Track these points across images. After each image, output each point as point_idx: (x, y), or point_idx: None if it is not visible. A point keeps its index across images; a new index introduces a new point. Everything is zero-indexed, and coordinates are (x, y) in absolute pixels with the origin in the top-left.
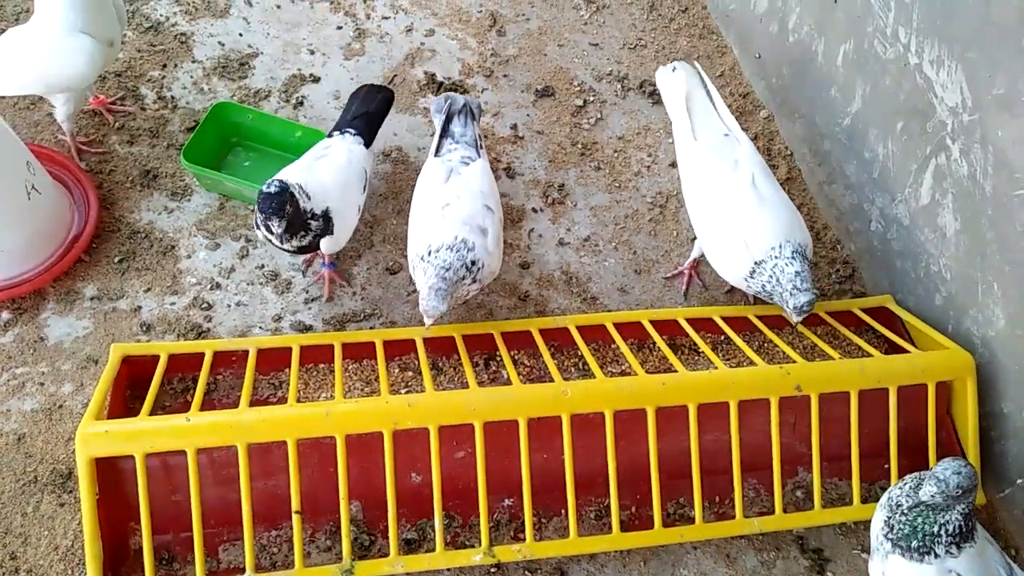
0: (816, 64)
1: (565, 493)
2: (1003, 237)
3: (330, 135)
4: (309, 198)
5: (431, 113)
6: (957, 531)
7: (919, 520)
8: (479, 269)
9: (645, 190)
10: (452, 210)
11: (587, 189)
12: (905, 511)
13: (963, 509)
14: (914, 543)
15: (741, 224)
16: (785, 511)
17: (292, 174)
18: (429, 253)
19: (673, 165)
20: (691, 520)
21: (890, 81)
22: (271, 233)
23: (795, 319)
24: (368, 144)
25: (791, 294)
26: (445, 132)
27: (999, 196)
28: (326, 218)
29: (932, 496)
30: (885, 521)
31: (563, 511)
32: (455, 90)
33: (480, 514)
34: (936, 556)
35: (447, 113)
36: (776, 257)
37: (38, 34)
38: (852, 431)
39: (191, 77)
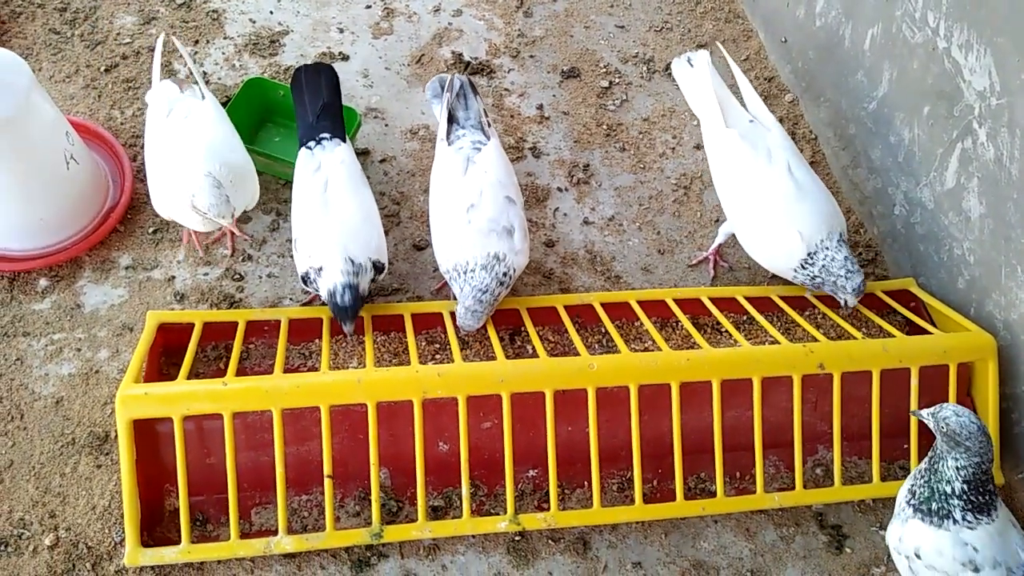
0: (843, 48)
1: (588, 465)
2: None
3: (306, 146)
4: (364, 270)
5: (427, 99)
6: (967, 498)
7: (932, 479)
8: (511, 276)
9: (670, 171)
10: (477, 213)
11: (612, 170)
12: (923, 472)
13: (963, 474)
14: (934, 505)
15: (789, 216)
16: (805, 488)
17: (328, 244)
18: (464, 272)
19: (698, 147)
20: (712, 494)
21: (918, 65)
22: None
23: (852, 302)
24: (343, 138)
25: (846, 278)
26: (451, 118)
27: None
28: (377, 268)
29: (928, 420)
30: (909, 489)
31: (586, 483)
32: (483, 70)
33: (506, 483)
34: (954, 521)
35: (448, 101)
36: (826, 248)
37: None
38: (873, 410)
39: (223, 53)
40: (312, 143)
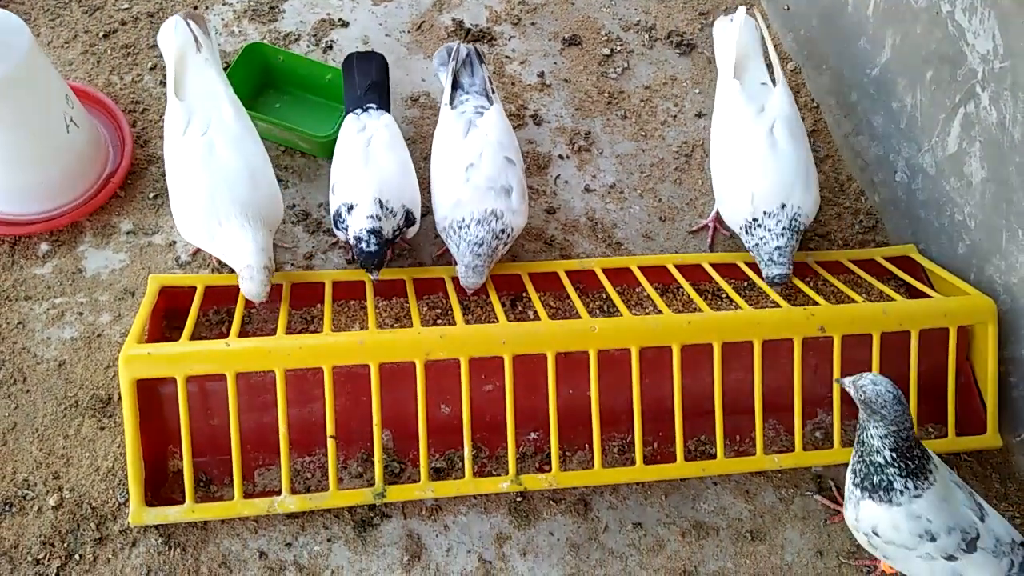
0: (846, 14)
1: (590, 429)
2: None
3: (353, 112)
4: (393, 214)
5: (434, 68)
6: (902, 465)
7: (863, 453)
8: (509, 234)
9: (671, 139)
10: (476, 172)
11: (613, 137)
12: (856, 449)
13: (887, 442)
14: (875, 479)
15: (748, 174)
16: (804, 450)
17: (363, 185)
18: (460, 227)
19: (699, 115)
20: (712, 457)
21: (921, 30)
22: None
23: (768, 284)
24: (389, 111)
25: (766, 265)
26: (456, 84)
27: None
28: (408, 218)
29: (849, 388)
30: (851, 469)
31: (587, 445)
32: (483, 37)
33: (508, 444)
34: (900, 492)
35: (454, 68)
36: (770, 229)
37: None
38: (874, 370)
39: (222, 20)
40: (359, 110)
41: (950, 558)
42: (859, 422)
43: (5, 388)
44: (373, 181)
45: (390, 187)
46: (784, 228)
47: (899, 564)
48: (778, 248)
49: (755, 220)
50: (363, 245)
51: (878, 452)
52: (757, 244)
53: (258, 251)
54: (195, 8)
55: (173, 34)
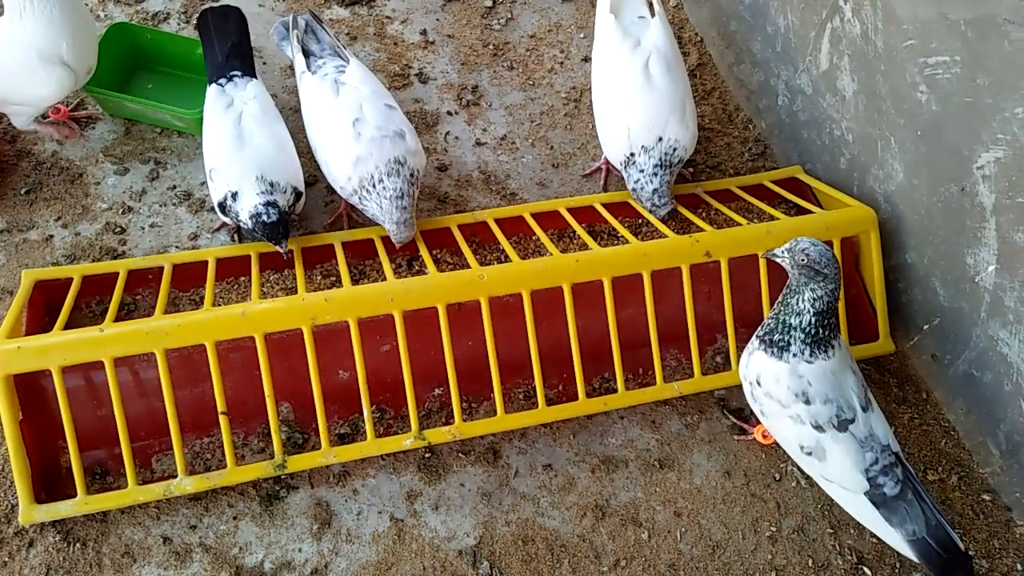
0: None
1: (491, 381)
2: (896, 91)
3: (217, 83)
4: (282, 191)
5: (275, 43)
6: (812, 332)
7: (781, 312)
8: (417, 176)
9: (559, 86)
10: (364, 126)
11: (501, 89)
12: (774, 308)
13: (816, 306)
14: (776, 336)
15: (624, 109)
16: (705, 376)
17: (243, 170)
18: (373, 185)
19: (585, 59)
20: (615, 391)
21: None
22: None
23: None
24: (254, 75)
25: (651, 210)
26: (307, 52)
27: (890, 50)
28: (296, 193)
29: (783, 257)
30: (760, 325)
31: (492, 396)
32: (361, 0)
33: (408, 402)
34: (793, 355)
35: (298, 37)
36: (642, 169)
37: (18, 54)
38: (763, 291)
39: (87, 4)
40: (223, 80)
41: (818, 428)
42: (788, 288)
43: None
44: (254, 165)
45: (272, 167)
46: (656, 165)
47: (772, 422)
48: (655, 191)
49: (632, 155)
50: (264, 218)
51: (799, 314)
52: (634, 189)
53: None
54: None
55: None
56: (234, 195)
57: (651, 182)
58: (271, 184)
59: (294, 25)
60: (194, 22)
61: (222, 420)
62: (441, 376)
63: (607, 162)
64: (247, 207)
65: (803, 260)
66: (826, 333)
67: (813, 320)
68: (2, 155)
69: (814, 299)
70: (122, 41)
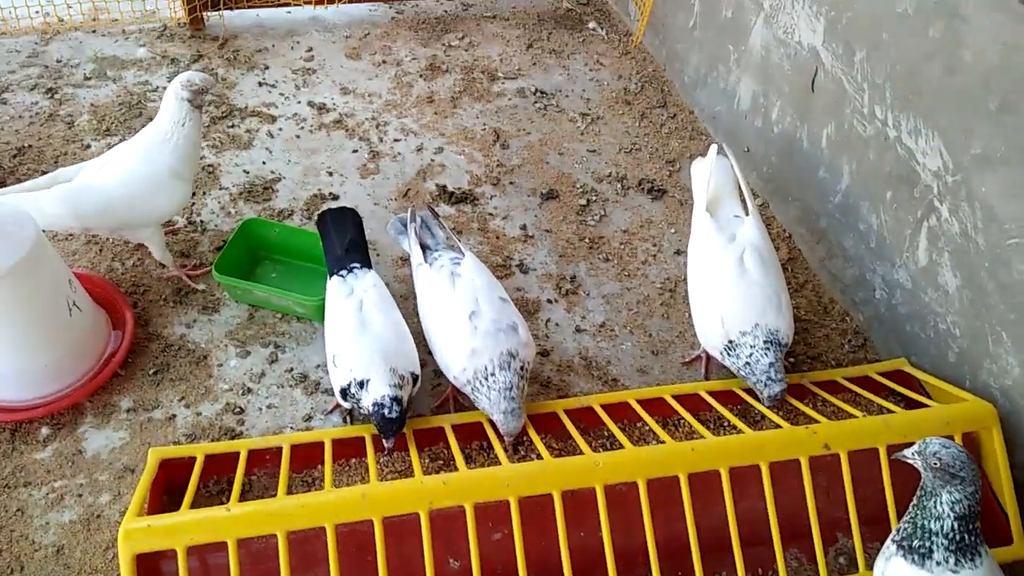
0: (802, 150)
1: (605, 573)
2: (1004, 286)
3: (339, 275)
4: (407, 382)
5: (392, 236)
6: (955, 538)
7: (918, 516)
8: (527, 369)
9: (654, 277)
10: (480, 319)
11: (598, 279)
12: (910, 510)
13: (957, 509)
14: (915, 542)
15: (719, 299)
16: None
17: (369, 357)
18: (486, 378)
19: (678, 253)
20: None
21: (874, 155)
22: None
23: (767, 405)
24: (371, 267)
25: (765, 385)
26: (423, 246)
27: (992, 248)
28: (414, 377)
29: (914, 460)
30: (896, 529)
31: None
32: (466, 199)
33: None
34: (936, 563)
35: (416, 230)
36: (751, 346)
37: (154, 173)
38: (886, 486)
39: (219, 203)
40: (344, 272)
41: None
42: (923, 490)
43: None
44: (381, 353)
45: (397, 356)
46: (765, 343)
47: None
48: (771, 364)
49: (731, 342)
50: (385, 411)
51: (939, 519)
52: (748, 364)
53: None
54: (192, 195)
55: None
56: (361, 383)
57: (765, 355)
58: (401, 377)
59: (411, 219)
60: (316, 218)
61: None
62: (551, 569)
63: (706, 351)
64: (374, 395)
65: (936, 464)
66: (972, 539)
67: (955, 525)
68: (135, 338)
69: (953, 502)
70: (251, 234)
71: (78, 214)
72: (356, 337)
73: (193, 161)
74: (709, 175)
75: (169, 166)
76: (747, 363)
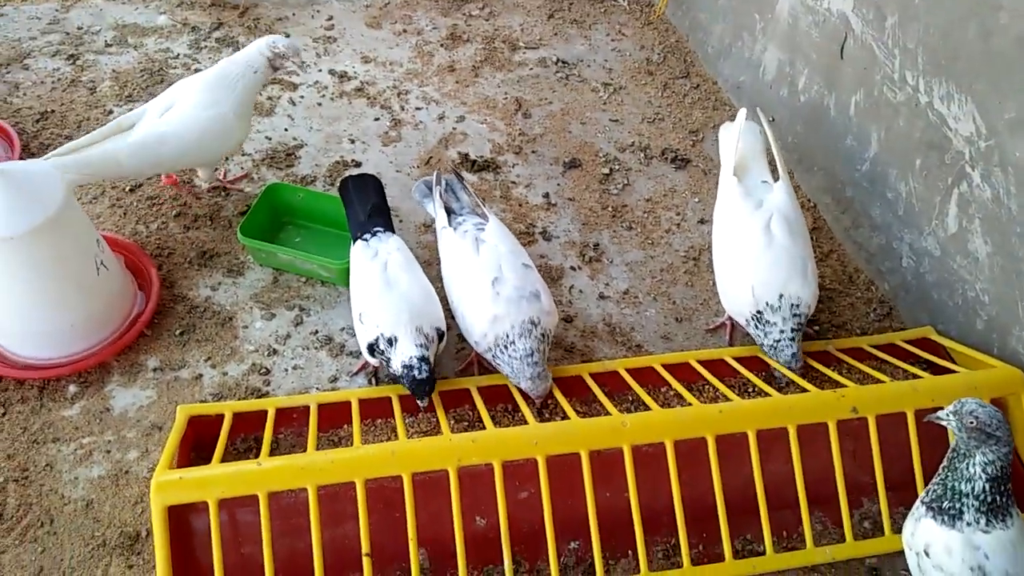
0: (829, 118)
1: (630, 533)
2: None
3: (362, 238)
4: (432, 340)
5: (417, 200)
6: (987, 499)
7: (949, 477)
8: (548, 336)
9: (678, 245)
10: (502, 285)
11: (621, 247)
12: (941, 471)
13: (989, 471)
14: (945, 503)
15: (746, 267)
16: (857, 541)
17: (396, 314)
18: (506, 346)
19: (702, 222)
20: (761, 554)
21: (903, 122)
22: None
23: (780, 373)
24: (394, 232)
25: (780, 352)
26: (448, 210)
27: None
28: (440, 333)
29: (948, 420)
30: (925, 491)
31: (630, 552)
32: (488, 167)
33: (548, 554)
34: (967, 523)
35: (440, 193)
36: (771, 320)
37: (222, 118)
38: (913, 450)
39: (241, 168)
40: (368, 235)
41: None
42: (955, 451)
43: (32, 532)
44: (405, 309)
45: (420, 314)
46: (793, 329)
47: None
48: (794, 355)
49: (759, 313)
50: (415, 373)
51: (970, 480)
52: (773, 346)
53: None
54: (225, 160)
55: None
56: (389, 340)
57: (790, 347)
58: (426, 336)
59: (437, 182)
60: (338, 184)
61: (365, 563)
62: (577, 529)
63: (731, 318)
64: (402, 356)
65: (972, 423)
66: (1003, 500)
67: (987, 487)
68: (160, 299)
69: (986, 463)
70: (275, 198)
71: (157, 163)
72: (382, 295)
73: (251, 105)
74: (737, 139)
75: (233, 109)
76: (773, 346)
